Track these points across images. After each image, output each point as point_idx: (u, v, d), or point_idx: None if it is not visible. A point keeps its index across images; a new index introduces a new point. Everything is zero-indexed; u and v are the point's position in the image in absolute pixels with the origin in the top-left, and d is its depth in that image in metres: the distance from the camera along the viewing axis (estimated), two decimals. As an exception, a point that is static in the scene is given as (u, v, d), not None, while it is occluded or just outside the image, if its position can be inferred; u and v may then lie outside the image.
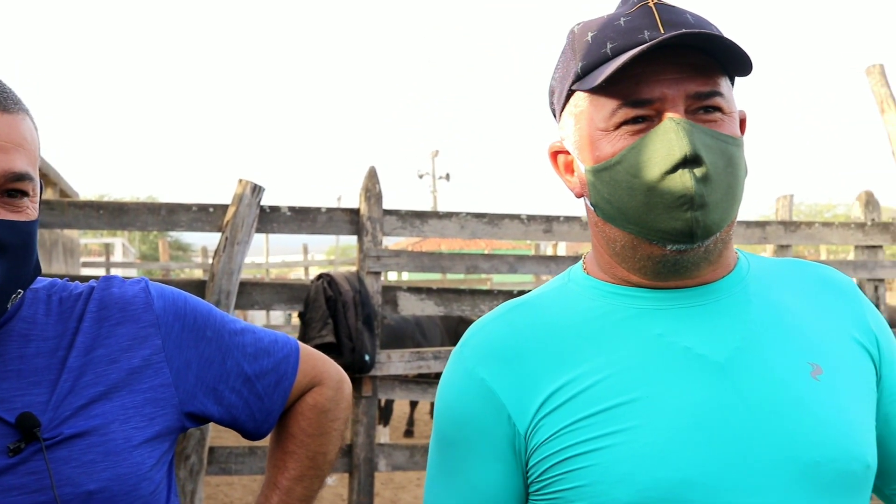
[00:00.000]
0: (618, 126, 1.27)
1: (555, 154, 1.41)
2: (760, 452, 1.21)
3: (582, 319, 1.32)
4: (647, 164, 1.23)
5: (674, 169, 1.21)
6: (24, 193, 1.28)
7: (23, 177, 1.26)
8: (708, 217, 1.23)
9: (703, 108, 1.26)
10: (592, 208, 1.34)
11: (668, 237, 1.25)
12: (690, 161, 1.21)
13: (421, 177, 43.19)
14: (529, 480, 1.28)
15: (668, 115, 1.23)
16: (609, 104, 1.27)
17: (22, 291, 1.31)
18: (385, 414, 10.55)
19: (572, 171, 1.38)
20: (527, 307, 1.37)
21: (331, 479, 9.02)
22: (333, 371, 1.65)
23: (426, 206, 39.76)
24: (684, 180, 1.21)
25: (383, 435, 10.40)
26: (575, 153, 1.35)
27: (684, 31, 1.22)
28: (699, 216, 1.22)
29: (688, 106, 1.25)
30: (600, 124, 1.28)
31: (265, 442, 1.61)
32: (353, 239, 5.19)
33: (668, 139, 1.22)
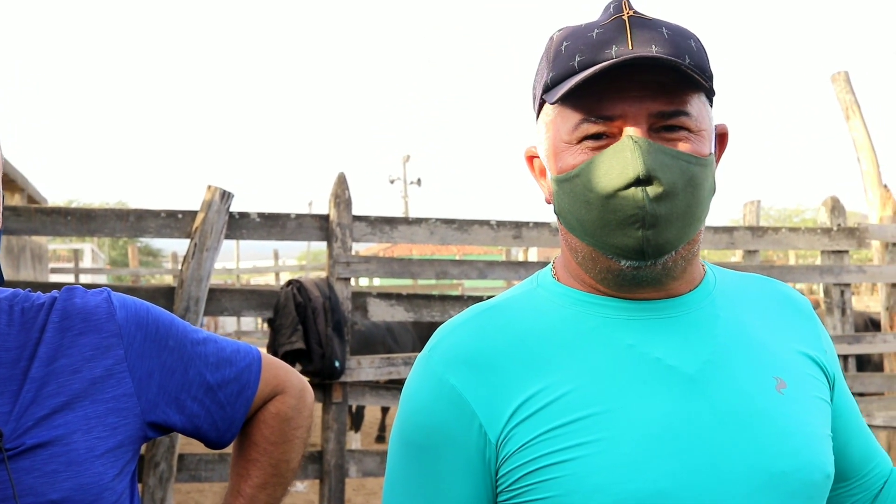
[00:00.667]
0: (580, 140, 1.27)
1: (530, 158, 1.42)
2: (730, 463, 1.22)
3: (553, 327, 1.31)
4: (603, 179, 1.24)
5: (626, 187, 1.21)
6: None
7: None
8: (660, 236, 1.23)
9: (667, 126, 1.25)
10: (557, 216, 1.35)
11: (621, 253, 1.25)
12: (644, 180, 1.21)
13: (392, 182, 43.14)
14: (499, 490, 1.27)
15: (628, 133, 1.23)
16: (573, 117, 1.27)
17: None
18: (356, 420, 10.53)
19: (545, 176, 1.38)
20: (495, 312, 1.35)
21: (302, 486, 9.00)
22: (295, 380, 1.65)
23: (398, 212, 39.78)
24: (637, 199, 1.21)
25: (355, 441, 10.38)
26: (544, 160, 1.36)
27: (641, 54, 1.22)
28: (650, 235, 1.23)
29: (651, 124, 1.25)
30: (564, 136, 1.29)
31: (214, 450, 1.61)
32: (324, 244, 5.19)
33: (624, 157, 1.22)
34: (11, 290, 1.46)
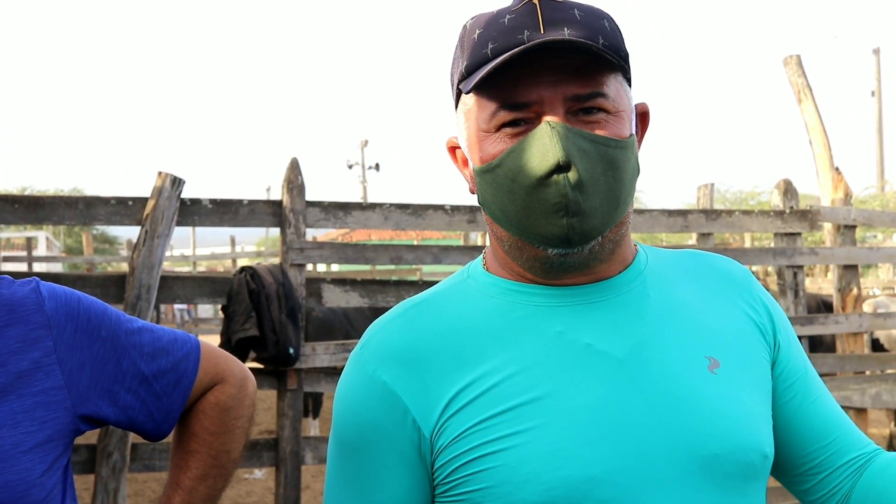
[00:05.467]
0: (498, 128, 1.26)
1: (452, 149, 1.40)
2: (660, 447, 1.22)
3: (482, 317, 1.31)
4: (523, 169, 1.22)
5: (548, 175, 1.20)
6: None
7: None
8: (585, 223, 1.23)
9: (585, 109, 1.24)
10: (482, 207, 1.34)
11: (547, 241, 1.25)
12: (564, 167, 1.20)
13: (350, 167, 43.03)
14: (435, 482, 1.26)
15: (546, 118, 1.22)
16: (489, 106, 1.26)
17: None
18: (315, 407, 10.50)
19: (468, 166, 1.36)
20: (425, 306, 1.34)
21: (260, 473, 8.96)
22: (237, 369, 1.62)
23: (357, 197, 39.64)
24: (559, 187, 1.20)
25: (314, 427, 10.34)
26: (465, 150, 1.35)
27: (551, 38, 1.20)
28: (575, 223, 1.22)
29: (568, 108, 1.24)
30: (483, 125, 1.28)
31: (151, 442, 1.58)
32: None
33: (543, 144, 1.21)
34: None
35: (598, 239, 1.26)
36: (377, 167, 42.65)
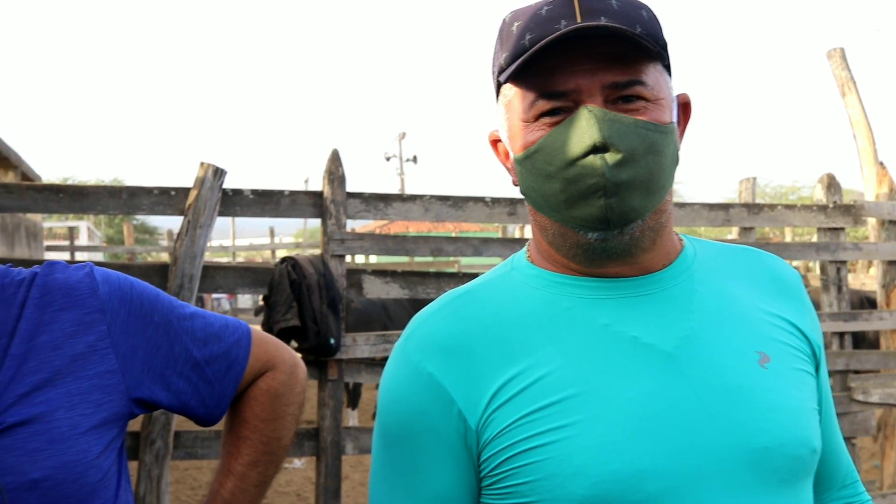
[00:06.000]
0: (537, 117, 1.26)
1: (494, 142, 1.41)
2: (711, 440, 1.21)
3: (527, 309, 1.31)
4: (560, 151, 1.23)
5: (584, 155, 1.21)
6: None
7: None
8: (624, 204, 1.22)
9: (624, 97, 1.25)
10: (524, 197, 1.34)
11: (585, 224, 1.25)
12: (601, 147, 1.20)
13: (388, 159, 43.07)
14: (482, 474, 1.27)
15: (584, 104, 1.23)
16: (528, 96, 1.27)
17: None
18: (353, 397, 10.55)
19: (509, 159, 1.37)
20: (470, 297, 1.35)
21: (299, 462, 9.03)
22: (287, 355, 1.64)
23: (394, 189, 39.69)
24: (595, 167, 1.21)
25: (352, 418, 10.40)
26: (506, 142, 1.35)
27: (588, 24, 1.20)
28: (613, 203, 1.22)
29: (606, 96, 1.24)
30: (522, 115, 1.28)
31: (203, 427, 1.59)
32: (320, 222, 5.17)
33: (580, 127, 1.21)
34: None
35: (637, 223, 1.25)
36: (415, 159, 42.68)
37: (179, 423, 4.87)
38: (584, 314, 1.28)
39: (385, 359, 6.66)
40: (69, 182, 42.35)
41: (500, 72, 1.30)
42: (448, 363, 1.27)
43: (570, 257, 1.31)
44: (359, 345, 5.19)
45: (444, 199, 5.38)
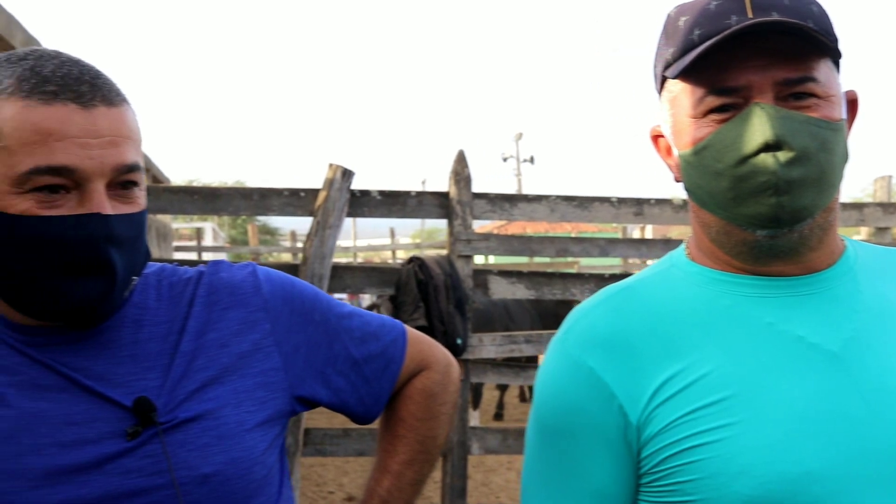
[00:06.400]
0: (705, 114, 1.25)
1: (655, 137, 1.40)
2: (877, 443, 1.18)
3: (689, 306, 1.29)
4: (731, 148, 1.21)
5: (756, 153, 1.19)
6: (135, 184, 1.30)
7: (133, 168, 1.28)
8: (795, 202, 1.20)
9: (795, 94, 1.22)
10: (687, 193, 1.33)
11: (755, 222, 1.23)
12: (773, 146, 1.18)
13: (505, 160, 43.07)
14: (642, 471, 1.25)
15: (754, 101, 1.20)
16: (697, 92, 1.25)
17: (136, 279, 1.33)
18: (475, 398, 10.58)
19: (671, 155, 1.36)
20: (630, 293, 1.34)
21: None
22: (441, 355, 1.64)
23: (510, 190, 39.66)
24: (767, 165, 1.18)
25: (473, 418, 10.43)
26: (670, 138, 1.34)
27: (762, 19, 1.18)
28: (784, 201, 1.19)
29: (777, 93, 1.21)
30: (689, 111, 1.27)
31: (360, 424, 1.61)
32: (438, 222, 5.19)
33: (752, 124, 1.19)
34: (158, 264, 1.48)
35: (807, 221, 1.23)
36: (531, 160, 42.61)
37: (308, 419, 4.95)
38: (747, 312, 1.26)
39: (508, 360, 6.65)
40: (194, 183, 43.59)
41: (666, 67, 1.29)
42: (608, 358, 1.26)
43: (735, 255, 1.29)
44: (485, 345, 5.19)
45: (569, 199, 5.35)
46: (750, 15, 1.20)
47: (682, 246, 1.40)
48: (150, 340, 1.35)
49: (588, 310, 1.34)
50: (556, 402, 1.30)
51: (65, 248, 1.22)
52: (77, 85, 1.23)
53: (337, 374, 1.49)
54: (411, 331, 1.62)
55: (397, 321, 1.61)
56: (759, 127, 1.19)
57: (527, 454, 1.36)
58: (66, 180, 1.22)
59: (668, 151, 1.36)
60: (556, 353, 1.33)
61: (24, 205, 1.21)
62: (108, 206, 1.24)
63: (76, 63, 1.26)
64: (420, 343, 1.62)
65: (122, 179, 1.27)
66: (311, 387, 1.46)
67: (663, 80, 1.32)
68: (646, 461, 1.24)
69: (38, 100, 1.21)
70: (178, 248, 19.38)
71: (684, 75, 1.25)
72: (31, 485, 1.24)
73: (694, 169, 1.28)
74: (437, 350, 1.64)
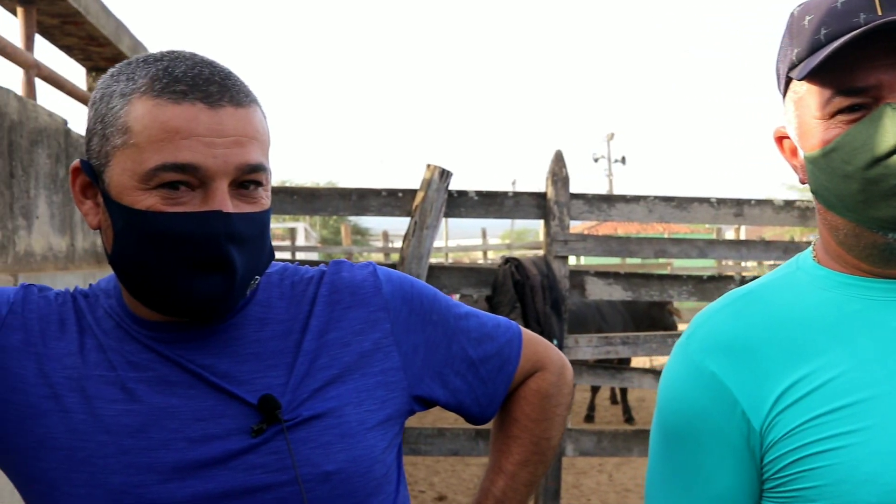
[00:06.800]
0: (833, 115, 1.22)
1: (780, 139, 1.37)
2: None
3: (815, 310, 1.27)
4: (861, 151, 1.18)
5: (888, 155, 1.15)
6: (259, 184, 1.32)
7: (257, 168, 1.29)
8: None
9: None
10: (813, 195, 1.30)
11: (886, 225, 1.19)
12: None
13: (596, 160, 42.82)
14: (765, 477, 1.24)
15: (885, 101, 1.17)
16: (824, 93, 1.22)
17: (259, 278, 1.35)
18: (566, 399, 10.52)
19: (797, 156, 1.33)
20: (754, 297, 1.32)
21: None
22: (555, 356, 1.64)
23: (601, 190, 39.43)
24: None
25: (567, 420, 10.38)
26: (795, 139, 1.31)
27: (893, 17, 1.14)
28: None
29: None
30: (816, 112, 1.24)
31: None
32: (528, 223, 5.19)
33: (883, 125, 1.16)
34: (281, 264, 1.50)
35: None
36: (623, 160, 42.28)
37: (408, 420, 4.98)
38: (876, 316, 1.24)
39: (601, 361, 6.60)
40: (288, 184, 44.14)
41: (791, 68, 1.26)
42: (731, 363, 1.25)
43: (864, 258, 1.26)
44: (581, 346, 5.17)
45: (668, 199, 5.29)
46: (879, 12, 1.17)
47: (809, 249, 1.38)
48: (273, 339, 1.37)
49: (711, 314, 1.33)
50: (678, 407, 1.30)
51: (186, 245, 1.25)
52: (206, 85, 1.26)
53: (454, 374, 1.50)
54: (526, 332, 1.62)
55: (512, 322, 1.61)
56: (891, 128, 1.16)
57: (651, 457, 1.36)
58: (191, 178, 1.24)
59: (794, 153, 1.34)
60: (678, 358, 1.32)
61: (149, 201, 1.24)
62: (229, 205, 1.26)
63: (209, 64, 1.29)
64: (535, 344, 1.61)
65: (246, 179, 1.29)
66: (428, 387, 1.47)
67: (787, 80, 1.30)
68: (768, 467, 1.23)
69: (168, 99, 1.24)
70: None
71: (811, 76, 1.22)
72: (161, 478, 1.27)
73: (821, 171, 1.25)
74: (552, 351, 1.64)
